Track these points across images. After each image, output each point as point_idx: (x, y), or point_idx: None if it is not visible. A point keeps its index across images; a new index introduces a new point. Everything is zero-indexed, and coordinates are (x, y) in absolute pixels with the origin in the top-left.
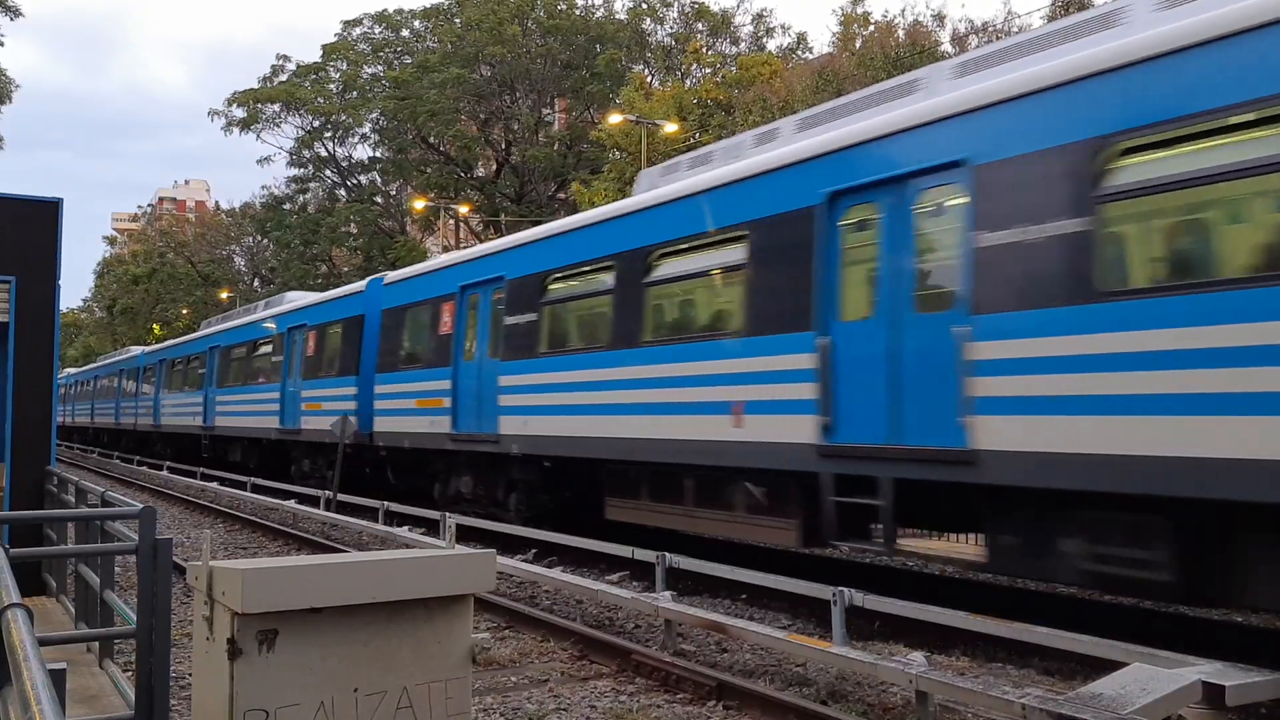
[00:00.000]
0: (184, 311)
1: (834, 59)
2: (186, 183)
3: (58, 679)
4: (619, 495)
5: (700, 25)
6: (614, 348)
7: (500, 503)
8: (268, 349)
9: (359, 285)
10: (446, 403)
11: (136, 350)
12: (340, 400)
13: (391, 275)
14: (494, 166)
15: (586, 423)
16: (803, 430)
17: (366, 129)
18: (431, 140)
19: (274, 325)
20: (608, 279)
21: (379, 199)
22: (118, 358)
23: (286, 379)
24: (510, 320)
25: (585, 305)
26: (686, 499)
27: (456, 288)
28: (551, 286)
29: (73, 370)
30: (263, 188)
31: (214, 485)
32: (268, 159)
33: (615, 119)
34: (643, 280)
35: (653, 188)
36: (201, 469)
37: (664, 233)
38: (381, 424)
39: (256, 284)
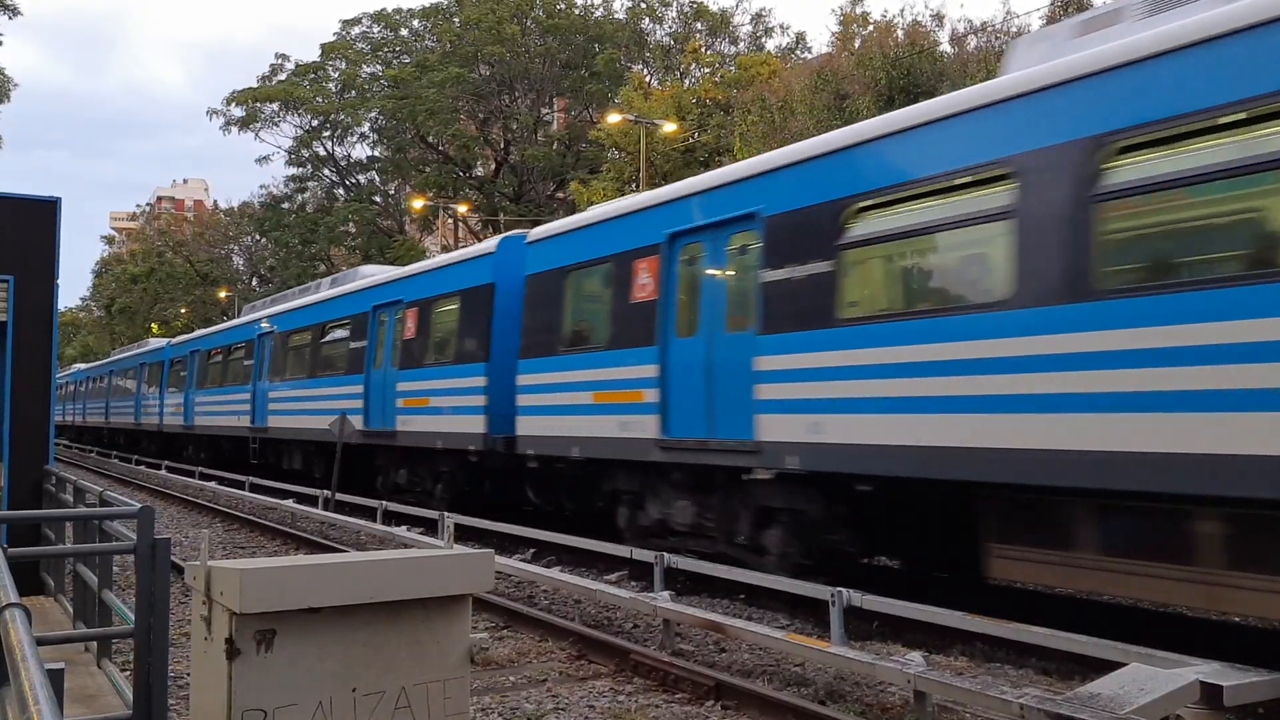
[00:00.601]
0: (183, 311)
1: (833, 59)
2: (185, 182)
3: (56, 679)
4: (1022, 541)
5: (699, 25)
6: (1021, 305)
7: (745, 543)
8: (343, 333)
9: (486, 245)
10: (649, 396)
11: (159, 342)
12: (462, 394)
13: (540, 230)
14: (493, 166)
15: (951, 425)
16: None
17: (365, 128)
18: (430, 139)
19: (353, 304)
20: (995, 198)
21: (377, 198)
22: (136, 351)
23: (372, 369)
24: (774, 275)
25: (939, 243)
26: (1202, 552)
27: (662, 237)
28: (858, 221)
29: (83, 366)
30: (261, 187)
31: (212, 485)
32: (266, 158)
33: (614, 119)
34: (1091, 193)
35: (1054, 55)
36: (200, 468)
37: (1147, 107)
38: (530, 425)
39: (255, 283)
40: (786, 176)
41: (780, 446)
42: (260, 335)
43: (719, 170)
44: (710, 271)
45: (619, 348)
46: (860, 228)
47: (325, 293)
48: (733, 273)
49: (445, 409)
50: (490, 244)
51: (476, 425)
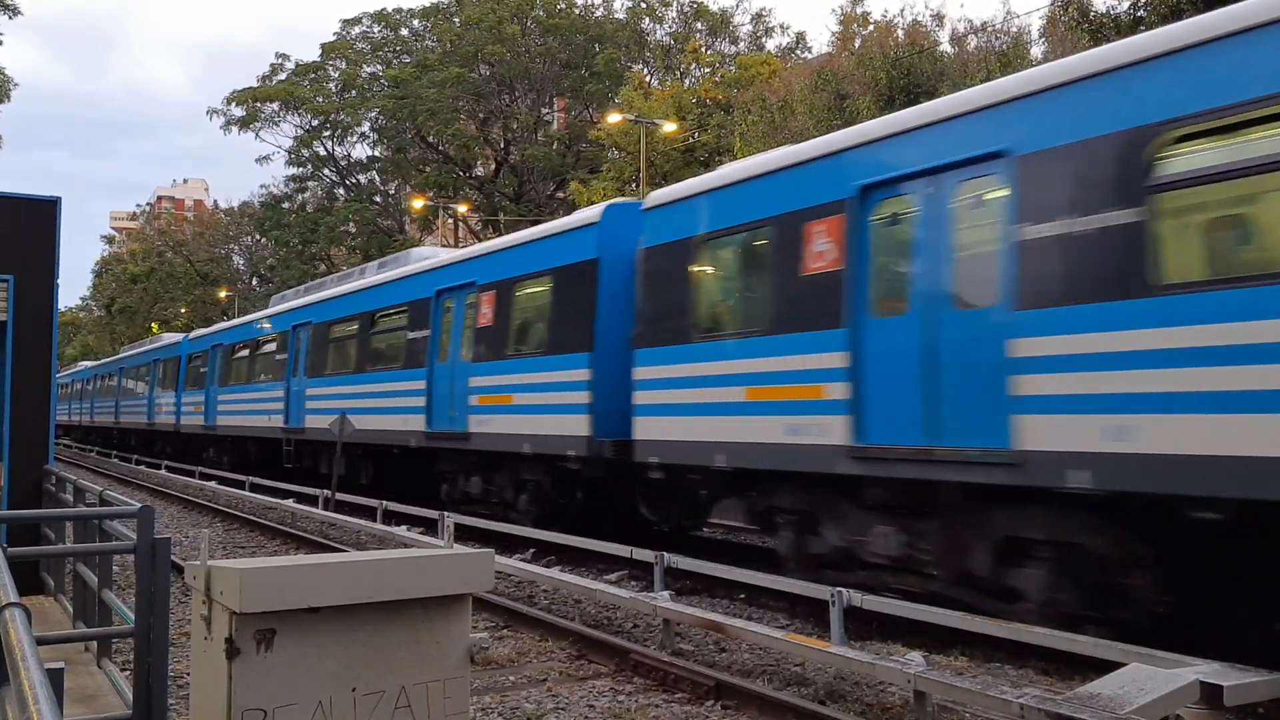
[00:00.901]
0: (183, 311)
1: (833, 59)
2: (185, 182)
3: (55, 678)
4: None
5: (699, 25)
6: None
7: (984, 583)
8: (398, 322)
9: (587, 215)
10: (834, 392)
11: (174, 336)
12: (558, 390)
13: (662, 194)
14: (493, 166)
15: None
16: None
17: (365, 128)
18: (430, 139)
19: (411, 289)
20: None
21: (378, 198)
22: (149, 346)
23: (436, 362)
24: (1038, 232)
25: None
26: None
27: (848, 190)
28: (1184, 153)
29: (89, 364)
30: (261, 187)
31: (212, 484)
32: (266, 158)
33: (614, 118)
34: None
35: None
36: (199, 467)
37: None
38: (653, 427)
39: (255, 283)
40: (1056, 101)
41: (1057, 458)
42: (295, 326)
43: (934, 103)
44: (925, 231)
45: (786, 332)
46: (1190, 161)
47: (374, 278)
48: (962, 231)
49: (535, 407)
50: (593, 213)
51: (578, 426)
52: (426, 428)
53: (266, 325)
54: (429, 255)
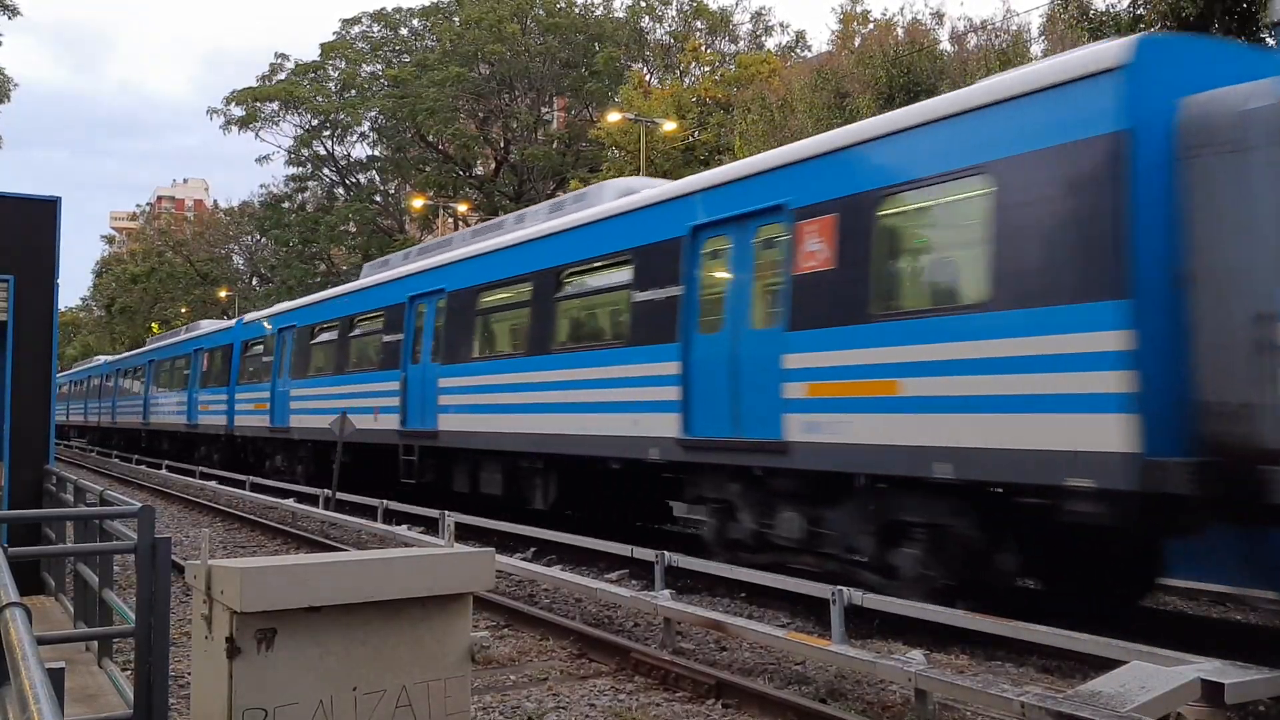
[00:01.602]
0: (183, 311)
1: (833, 57)
2: (185, 181)
3: (56, 678)
4: None
5: (699, 23)
6: None
7: None
8: (607, 279)
9: (1094, 55)
10: None
11: (216, 323)
12: (1031, 369)
13: None
14: (493, 165)
15: None
16: None
17: (365, 128)
18: (430, 139)
19: (634, 231)
20: None
21: (378, 197)
22: (186, 335)
23: (694, 334)
24: None
25: None
26: None
27: None
28: None
29: (109, 358)
30: (261, 186)
31: (213, 484)
32: (266, 158)
33: (614, 117)
34: None
35: None
36: (201, 467)
37: None
38: None
39: (255, 283)
40: None
41: None
42: (413, 298)
43: None
44: None
45: None
46: None
47: (554, 222)
48: None
49: (964, 401)
50: (1107, 51)
51: (1095, 435)
52: (681, 433)
53: (366, 298)
54: (637, 186)
